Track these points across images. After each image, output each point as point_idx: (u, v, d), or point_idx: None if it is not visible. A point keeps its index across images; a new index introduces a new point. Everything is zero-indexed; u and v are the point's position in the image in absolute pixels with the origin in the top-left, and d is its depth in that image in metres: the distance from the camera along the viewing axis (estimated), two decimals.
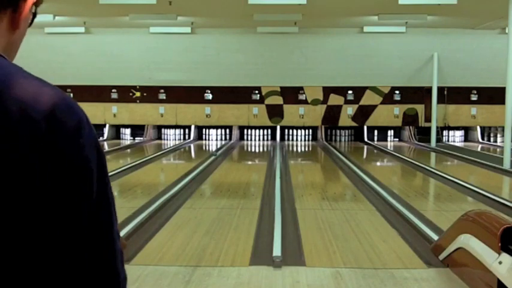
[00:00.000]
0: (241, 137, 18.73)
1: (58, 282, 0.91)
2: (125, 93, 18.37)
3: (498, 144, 17.25)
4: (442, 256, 4.81)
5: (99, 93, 18.29)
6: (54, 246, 0.90)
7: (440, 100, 17.63)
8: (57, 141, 0.90)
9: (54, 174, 0.89)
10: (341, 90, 18.29)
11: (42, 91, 0.92)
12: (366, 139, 18.40)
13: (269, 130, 18.70)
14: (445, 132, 18.64)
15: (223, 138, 18.74)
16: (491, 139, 18.37)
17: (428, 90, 17.67)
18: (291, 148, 17.06)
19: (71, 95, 18.36)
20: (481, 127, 18.45)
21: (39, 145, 0.88)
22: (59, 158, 0.90)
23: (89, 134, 0.95)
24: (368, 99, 18.35)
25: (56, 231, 0.90)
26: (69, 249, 0.91)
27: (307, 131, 18.70)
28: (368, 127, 18.59)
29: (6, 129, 0.88)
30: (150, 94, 18.40)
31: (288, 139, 18.62)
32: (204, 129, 18.83)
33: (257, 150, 17.18)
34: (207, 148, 17.04)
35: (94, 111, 18.15)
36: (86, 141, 0.93)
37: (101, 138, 18.33)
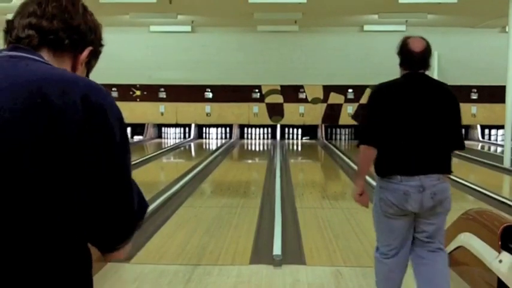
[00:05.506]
0: (242, 136, 18.71)
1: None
2: (125, 92, 18.36)
3: (498, 142, 17.25)
4: None
5: None
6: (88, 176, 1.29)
7: None
8: (91, 114, 1.27)
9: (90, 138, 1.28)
10: (341, 89, 18.27)
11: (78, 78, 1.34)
12: None
13: (269, 129, 18.68)
14: None
15: (223, 136, 18.73)
16: (492, 137, 18.36)
17: None
18: (291, 147, 17.07)
19: None
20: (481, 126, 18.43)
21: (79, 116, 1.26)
22: (93, 126, 1.28)
23: (115, 109, 1.33)
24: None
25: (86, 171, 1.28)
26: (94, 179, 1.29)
27: (307, 129, 18.67)
28: None
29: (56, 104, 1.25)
30: (150, 93, 18.40)
31: (288, 138, 18.61)
32: (204, 128, 18.81)
33: (257, 149, 17.18)
34: (207, 147, 17.05)
35: None
36: (111, 114, 1.31)
37: None
